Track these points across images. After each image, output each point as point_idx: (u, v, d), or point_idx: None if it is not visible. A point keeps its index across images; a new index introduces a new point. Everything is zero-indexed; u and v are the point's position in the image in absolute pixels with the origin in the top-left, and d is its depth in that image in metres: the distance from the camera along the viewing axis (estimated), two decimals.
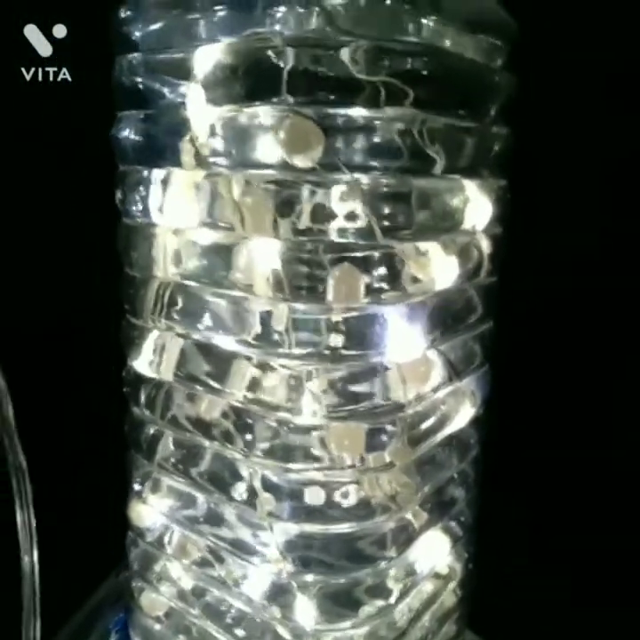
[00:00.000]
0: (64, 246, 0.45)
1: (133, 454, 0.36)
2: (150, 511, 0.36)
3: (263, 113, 0.26)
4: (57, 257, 0.46)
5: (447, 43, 0.28)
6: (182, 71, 0.28)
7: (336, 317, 0.28)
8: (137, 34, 0.31)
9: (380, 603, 0.32)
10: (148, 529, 0.37)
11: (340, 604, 0.31)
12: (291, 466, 0.29)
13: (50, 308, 0.45)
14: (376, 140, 0.26)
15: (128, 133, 0.31)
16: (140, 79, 0.30)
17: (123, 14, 0.31)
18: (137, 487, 0.37)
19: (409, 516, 0.33)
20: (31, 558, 0.33)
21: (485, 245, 0.33)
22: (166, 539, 0.36)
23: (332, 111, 0.25)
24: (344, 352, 0.28)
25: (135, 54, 0.30)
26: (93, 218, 0.37)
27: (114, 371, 0.37)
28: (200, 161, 0.29)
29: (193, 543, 0.34)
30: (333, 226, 0.27)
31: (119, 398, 0.36)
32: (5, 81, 0.37)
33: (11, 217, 0.44)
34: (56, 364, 0.47)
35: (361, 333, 0.28)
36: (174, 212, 0.30)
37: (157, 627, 0.38)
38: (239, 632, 0.33)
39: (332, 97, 0.25)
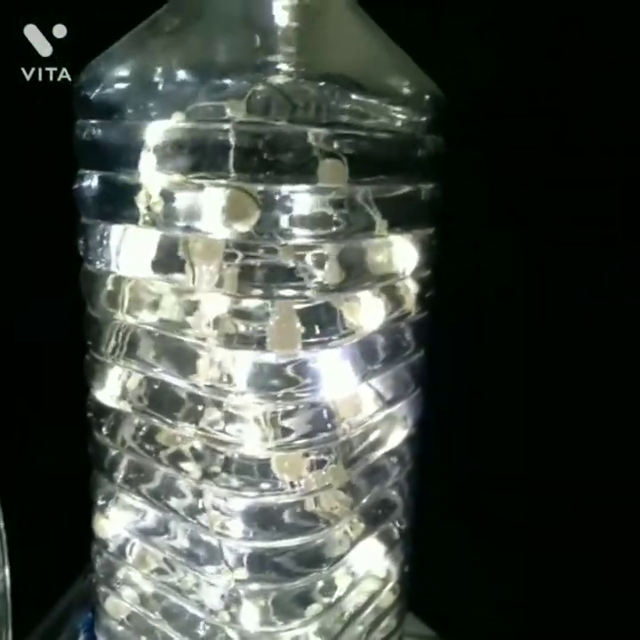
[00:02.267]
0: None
1: (96, 474, 0.40)
2: (112, 525, 0.40)
3: (207, 184, 0.30)
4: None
5: (378, 117, 0.32)
6: (136, 139, 0.31)
7: (277, 362, 0.31)
8: (94, 99, 0.33)
9: (322, 604, 0.36)
10: (111, 540, 0.40)
11: (284, 608, 0.35)
12: (239, 491, 0.33)
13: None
14: (311, 211, 0.30)
15: (88, 189, 0.34)
16: (98, 143, 0.33)
17: (83, 79, 0.34)
18: (100, 503, 0.40)
19: (346, 527, 0.37)
20: (3, 574, 0.36)
21: (413, 287, 0.37)
22: (127, 549, 0.39)
23: (268, 187, 0.29)
24: (285, 392, 0.32)
25: (94, 120, 0.33)
26: None
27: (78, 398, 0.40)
28: (153, 219, 0.32)
29: (151, 554, 0.38)
30: (271, 282, 0.30)
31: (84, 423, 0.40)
32: (5, 81, 0.36)
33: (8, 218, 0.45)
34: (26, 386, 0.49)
35: (299, 376, 0.32)
36: (130, 263, 0.34)
37: (121, 628, 0.41)
38: (195, 634, 0.37)
39: (272, 174, 0.29)
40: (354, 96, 0.31)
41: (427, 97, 0.35)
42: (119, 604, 0.41)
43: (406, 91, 0.34)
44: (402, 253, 0.35)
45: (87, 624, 0.49)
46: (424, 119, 0.35)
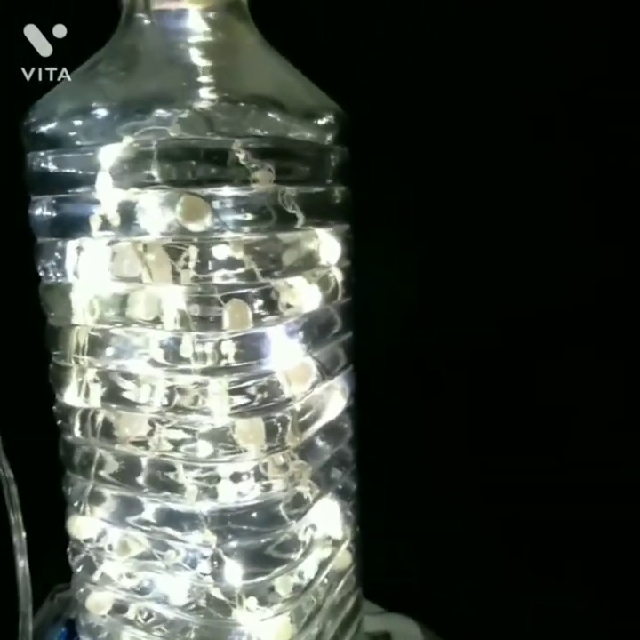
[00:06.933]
0: None
1: (69, 475, 0.43)
2: (90, 521, 0.43)
3: (163, 193, 0.35)
4: None
5: (293, 132, 0.38)
6: (90, 163, 0.36)
7: (230, 340, 0.37)
8: (45, 133, 0.38)
9: (288, 558, 0.41)
10: (89, 537, 0.43)
11: (256, 562, 0.39)
12: (206, 458, 0.38)
13: None
14: (249, 209, 0.36)
15: (43, 213, 0.39)
16: (52, 171, 0.38)
17: (32, 117, 0.38)
18: (75, 503, 0.43)
19: (303, 488, 0.42)
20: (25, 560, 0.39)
21: (338, 275, 0.44)
22: (107, 541, 0.43)
23: (214, 190, 0.35)
24: (238, 365, 0.37)
25: (46, 151, 0.38)
26: None
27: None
28: (109, 230, 0.37)
29: (132, 539, 0.42)
30: (223, 272, 0.36)
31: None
32: (5, 81, 0.36)
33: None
34: None
35: (250, 350, 0.37)
36: (88, 272, 0.38)
37: (105, 622, 0.44)
38: (181, 604, 0.41)
39: (213, 180, 0.35)
40: (269, 114, 0.37)
41: (330, 114, 0.42)
42: (101, 599, 0.44)
43: (312, 109, 0.41)
44: (327, 246, 0.42)
45: (63, 636, 0.51)
46: (330, 132, 0.42)
